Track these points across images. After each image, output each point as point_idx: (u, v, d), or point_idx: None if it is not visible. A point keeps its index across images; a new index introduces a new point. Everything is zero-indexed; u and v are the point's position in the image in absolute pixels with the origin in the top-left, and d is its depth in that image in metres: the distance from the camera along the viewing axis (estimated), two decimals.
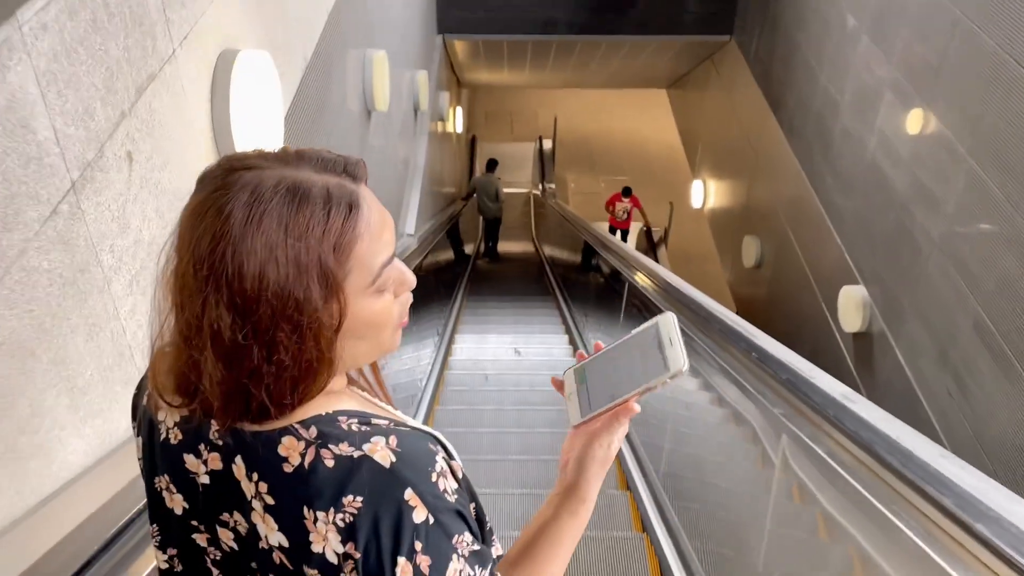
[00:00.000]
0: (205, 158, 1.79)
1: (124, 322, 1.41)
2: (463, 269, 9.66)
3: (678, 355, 0.77)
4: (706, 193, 9.12)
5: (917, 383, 4.23)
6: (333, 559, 0.66)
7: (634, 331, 0.83)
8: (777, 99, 6.79)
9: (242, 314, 0.64)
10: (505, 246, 12.35)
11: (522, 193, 14.35)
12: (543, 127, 14.76)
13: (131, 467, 0.90)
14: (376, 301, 0.71)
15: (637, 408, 0.83)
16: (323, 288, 0.65)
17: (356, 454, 0.66)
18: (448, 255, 8.39)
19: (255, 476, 0.69)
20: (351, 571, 0.66)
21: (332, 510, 0.65)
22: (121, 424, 1.40)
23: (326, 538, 0.65)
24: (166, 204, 1.57)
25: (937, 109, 4.05)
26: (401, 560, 0.64)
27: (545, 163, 13.04)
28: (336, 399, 0.74)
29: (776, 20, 6.86)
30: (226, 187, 0.66)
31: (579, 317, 6.63)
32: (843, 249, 5.29)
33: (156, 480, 0.79)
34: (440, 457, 0.70)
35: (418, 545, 0.65)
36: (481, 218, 11.33)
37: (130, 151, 1.43)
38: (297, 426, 0.69)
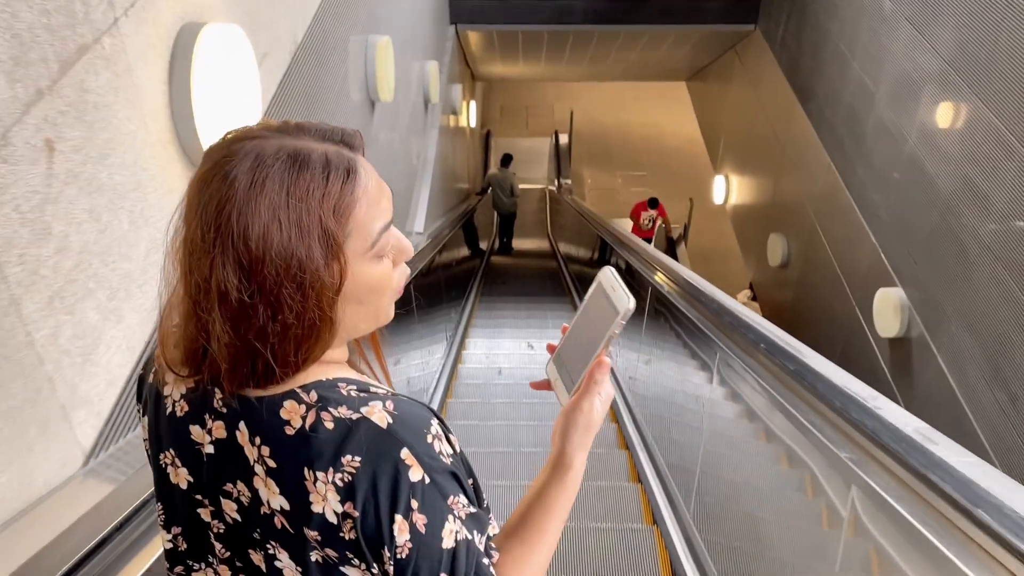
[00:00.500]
0: (162, 149, 1.53)
1: (41, 349, 1.14)
2: (477, 266, 9.39)
3: (622, 296, 0.79)
4: (728, 189, 8.79)
5: (963, 395, 3.91)
6: (332, 519, 0.68)
7: (583, 299, 0.86)
8: (805, 90, 6.46)
9: (248, 274, 0.65)
10: (520, 243, 12.07)
11: (537, 189, 14.05)
12: (559, 122, 14.46)
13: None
14: (375, 266, 0.74)
15: (608, 360, 0.84)
16: (324, 249, 0.67)
17: (354, 416, 0.69)
18: (461, 252, 8.13)
19: (257, 440, 0.71)
20: (350, 530, 0.68)
21: (331, 470, 0.67)
22: (39, 477, 1.14)
23: (325, 498, 0.68)
24: (104, 203, 1.31)
25: (988, 99, 3.72)
26: (398, 518, 0.67)
27: (561, 158, 12.74)
28: (336, 368, 0.76)
29: (805, 7, 6.52)
30: (231, 155, 0.68)
31: None
32: (879, 248, 4.97)
33: (161, 456, 0.80)
34: (435, 422, 0.72)
35: (414, 503, 0.67)
36: (496, 213, 11.39)
37: (50, 139, 1.16)
38: (299, 390, 0.71)
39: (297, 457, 0.68)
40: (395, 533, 0.67)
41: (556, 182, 12.51)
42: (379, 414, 0.69)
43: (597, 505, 3.07)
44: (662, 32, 8.39)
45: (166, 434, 0.79)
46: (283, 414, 0.70)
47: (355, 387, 0.73)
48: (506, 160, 11.07)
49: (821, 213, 6.06)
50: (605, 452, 3.76)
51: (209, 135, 1.62)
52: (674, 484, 2.95)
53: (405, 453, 0.68)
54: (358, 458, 0.67)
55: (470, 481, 0.75)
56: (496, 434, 3.96)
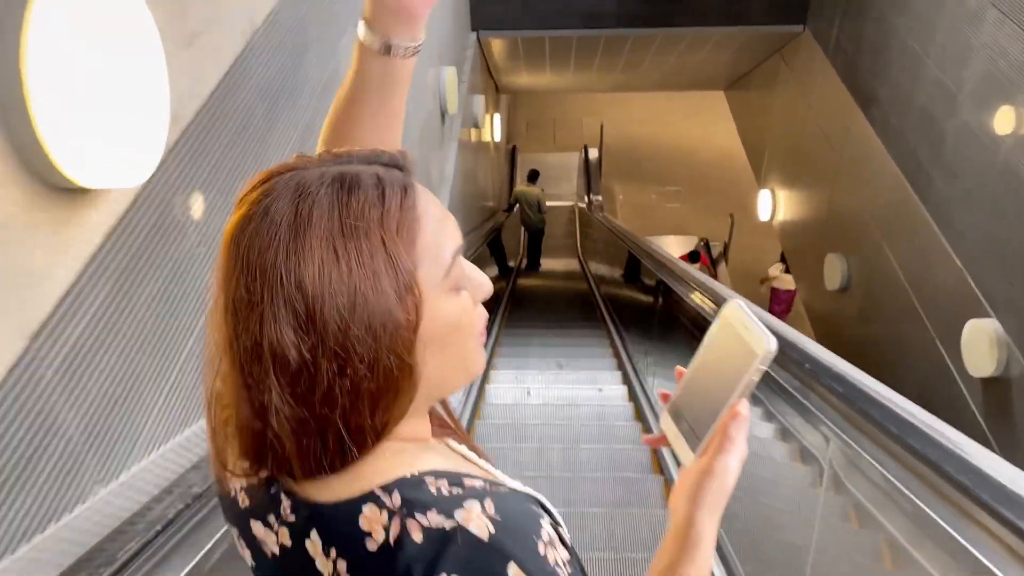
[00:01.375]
0: None
1: None
2: (503, 289, 8.79)
3: (760, 335, 0.66)
4: (775, 204, 8.10)
5: None
6: None
7: (705, 338, 0.73)
8: (866, 94, 5.80)
9: (306, 323, 0.56)
10: (549, 263, 11.48)
11: (566, 207, 13.44)
12: (588, 136, 13.88)
13: None
14: (454, 300, 0.63)
15: (745, 412, 0.69)
16: (393, 278, 0.58)
17: (448, 525, 0.57)
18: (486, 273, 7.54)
19: (333, 553, 0.59)
20: None
21: None
22: None
23: None
24: None
25: None
26: None
27: (591, 174, 12.14)
28: (420, 454, 0.65)
29: (862, 4, 5.87)
30: (267, 192, 0.60)
31: (634, 347, 5.69)
32: (965, 272, 4.28)
33: (232, 528, 0.71)
34: (546, 523, 0.61)
35: None
36: (523, 230, 11.20)
37: None
38: (379, 492, 0.59)
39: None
40: None
41: (586, 199, 11.88)
42: (478, 520, 0.57)
43: None
44: (702, 35, 7.76)
45: (231, 518, 0.70)
46: (363, 523, 0.58)
47: (446, 481, 0.61)
48: (533, 176, 10.90)
49: (889, 231, 5.37)
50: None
51: (60, 129, 1.03)
52: None
53: (514, 570, 0.55)
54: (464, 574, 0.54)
55: None
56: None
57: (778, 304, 9.27)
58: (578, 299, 9.05)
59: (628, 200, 13.41)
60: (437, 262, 0.61)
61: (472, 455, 0.72)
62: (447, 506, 0.58)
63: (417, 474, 0.61)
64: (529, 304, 8.68)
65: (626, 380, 5.28)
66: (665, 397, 0.79)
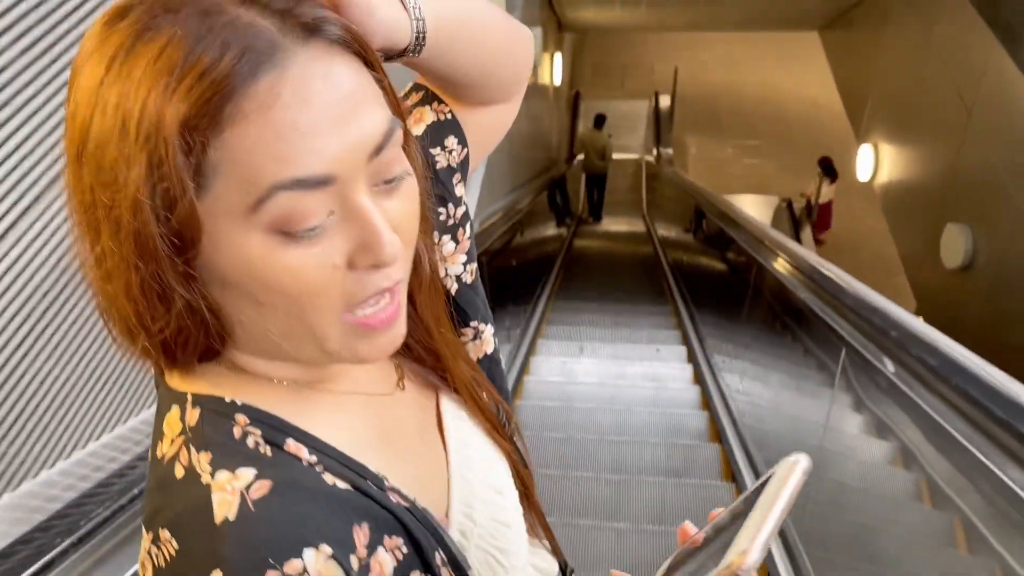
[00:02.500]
0: None
1: None
2: (556, 251, 7.90)
3: (752, 536, 0.43)
4: (878, 162, 6.93)
5: None
6: None
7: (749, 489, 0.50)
8: (1012, 29, 4.61)
9: (75, 168, 0.46)
10: (610, 223, 10.49)
11: (631, 160, 12.32)
12: (660, 82, 12.65)
13: None
14: (272, 245, 0.45)
15: None
16: (151, 169, 0.43)
17: (204, 479, 0.47)
18: (536, 235, 6.63)
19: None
20: None
21: (151, 535, 0.48)
22: None
23: (144, 569, 0.49)
24: None
25: None
26: None
27: (662, 124, 10.99)
28: (270, 390, 0.54)
29: None
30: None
31: (707, 333, 4.75)
32: None
33: None
34: (320, 555, 0.45)
35: None
36: (584, 178, 10.82)
37: None
38: (190, 399, 0.52)
39: (148, 490, 0.52)
40: None
41: (655, 151, 10.77)
42: (229, 495, 0.46)
43: None
44: None
45: None
46: (165, 425, 0.52)
47: (261, 431, 0.50)
48: (599, 120, 10.19)
49: None
50: None
51: None
52: None
53: None
54: (175, 544, 0.46)
55: None
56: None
57: (824, 223, 8.24)
58: (642, 267, 8.06)
59: (702, 154, 12.18)
60: (246, 182, 0.44)
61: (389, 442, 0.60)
62: (224, 457, 0.48)
63: (239, 404, 0.52)
64: (585, 273, 7.75)
65: (697, 379, 4.36)
66: (684, 536, 0.57)
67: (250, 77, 0.42)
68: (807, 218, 9.16)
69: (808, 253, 3.03)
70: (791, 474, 0.46)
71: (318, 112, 0.44)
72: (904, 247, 6.58)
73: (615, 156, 11.37)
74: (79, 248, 0.49)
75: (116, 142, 0.43)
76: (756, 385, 3.43)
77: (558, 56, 9.40)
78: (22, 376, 1.22)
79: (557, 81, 9.56)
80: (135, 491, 1.28)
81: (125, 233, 0.44)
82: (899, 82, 6.76)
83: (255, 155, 0.43)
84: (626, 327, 5.39)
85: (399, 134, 0.50)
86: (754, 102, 12.51)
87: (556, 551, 0.77)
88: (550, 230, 7.99)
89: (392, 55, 0.57)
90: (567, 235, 9.11)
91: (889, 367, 1.83)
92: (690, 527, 0.57)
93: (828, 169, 9.00)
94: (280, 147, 0.43)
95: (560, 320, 5.54)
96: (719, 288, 5.03)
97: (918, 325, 1.79)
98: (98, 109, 0.44)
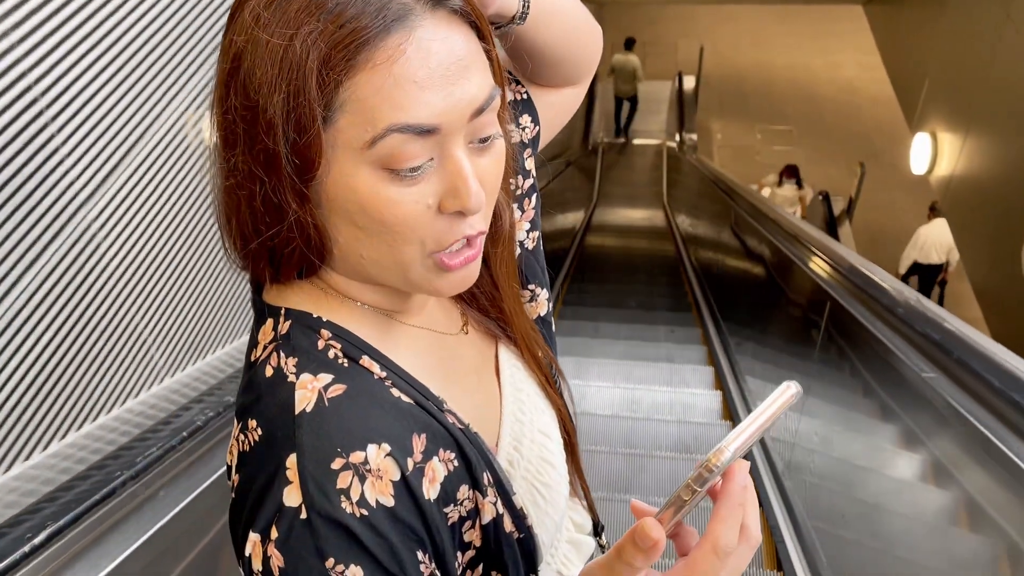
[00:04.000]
0: None
1: None
2: (564, 248, 7.08)
3: (732, 439, 0.53)
4: (936, 153, 6.04)
5: None
6: (228, 479, 0.59)
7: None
8: None
9: (221, 92, 0.54)
10: (626, 214, 9.64)
11: (652, 146, 11.41)
12: (684, 62, 11.75)
13: None
14: (377, 179, 0.53)
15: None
16: (289, 97, 0.50)
17: (290, 379, 0.56)
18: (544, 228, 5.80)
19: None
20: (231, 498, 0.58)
21: (240, 424, 0.57)
22: None
23: (231, 452, 0.58)
24: None
25: None
26: (253, 536, 0.53)
27: (685, 107, 10.09)
28: (353, 311, 0.62)
29: None
30: None
31: (740, 354, 3.95)
32: None
33: None
34: (374, 450, 0.54)
35: (274, 532, 0.51)
36: (615, 99, 11.11)
37: None
38: (284, 311, 0.60)
39: (241, 389, 0.60)
40: (247, 550, 0.53)
41: (677, 137, 9.88)
42: (309, 392, 0.55)
43: None
44: None
45: None
46: (260, 334, 0.60)
47: (340, 345, 0.59)
48: (629, 43, 10.51)
49: None
50: None
51: None
52: None
53: (291, 461, 0.52)
54: (260, 432, 0.55)
55: (423, 558, 0.54)
56: None
57: None
58: (662, 270, 7.21)
59: (728, 140, 11.26)
60: (364, 120, 0.51)
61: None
62: (308, 363, 0.57)
63: (324, 320, 0.60)
64: (597, 273, 6.92)
65: (728, 410, 3.55)
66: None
67: (383, 32, 0.50)
68: (847, 216, 8.28)
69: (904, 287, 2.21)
70: (781, 396, 0.56)
71: (433, 71, 0.51)
72: (969, 251, 5.71)
73: (637, 141, 11.06)
74: (216, 160, 0.56)
75: (264, 70, 0.50)
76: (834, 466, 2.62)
77: None
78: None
79: None
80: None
81: (258, 149, 0.52)
82: (965, 61, 5.84)
83: (377, 99, 0.50)
84: (643, 342, 4.59)
85: (497, 101, 0.56)
86: (784, 84, 11.58)
87: (591, 507, 0.83)
88: (557, 223, 7.15)
89: (500, 23, 0.67)
90: (579, 230, 8.26)
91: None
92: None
93: (795, 176, 8.01)
94: (398, 95, 0.50)
95: (568, 330, 4.74)
96: (756, 295, 4.21)
97: None
98: (251, 41, 0.51)
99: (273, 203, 0.53)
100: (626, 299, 5.77)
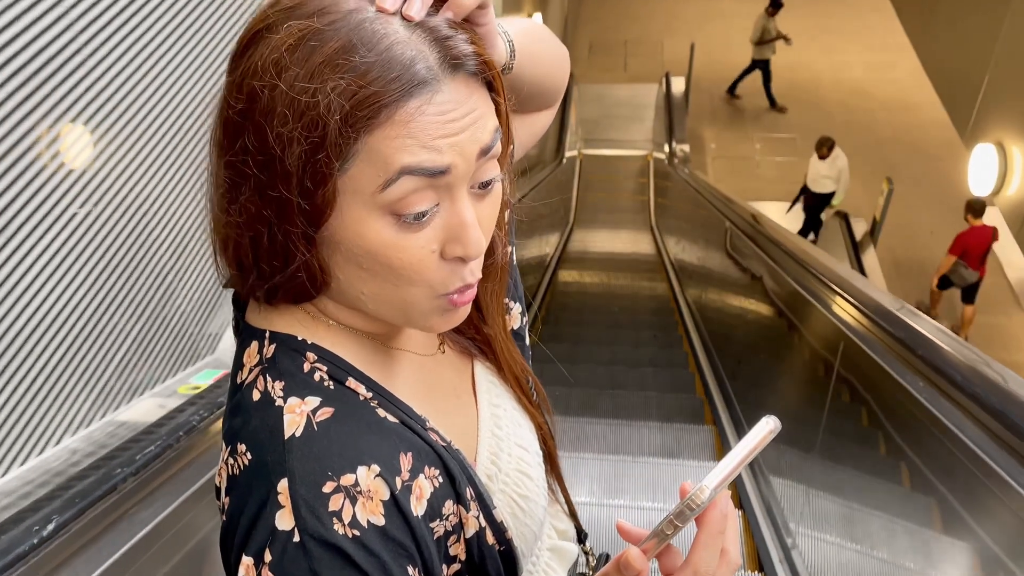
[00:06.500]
0: None
1: None
2: (535, 287, 5.71)
3: (714, 476, 0.57)
4: (1007, 169, 4.71)
5: None
6: (217, 501, 0.60)
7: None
8: None
9: (230, 131, 0.54)
10: (607, 241, 8.28)
11: (636, 157, 10.07)
12: (671, 63, 10.45)
13: None
14: (385, 224, 0.54)
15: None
16: (308, 149, 0.51)
17: (277, 403, 0.57)
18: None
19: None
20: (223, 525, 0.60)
21: (228, 448, 0.58)
22: None
23: (220, 475, 0.59)
24: None
25: None
26: (246, 560, 0.54)
27: (674, 112, 8.73)
28: (337, 334, 0.63)
29: None
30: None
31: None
32: None
33: None
34: (364, 472, 0.56)
35: (268, 556, 0.53)
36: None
37: None
38: (270, 334, 0.61)
39: (227, 411, 0.61)
40: (240, 574, 0.53)
41: (666, 147, 8.51)
42: (299, 416, 0.56)
43: None
44: None
45: None
46: (246, 356, 0.61)
47: (327, 369, 0.60)
48: None
49: None
50: None
51: None
52: None
53: (283, 486, 0.54)
54: (250, 457, 0.56)
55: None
56: None
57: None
58: (652, 305, 5.83)
59: (722, 150, 9.91)
60: (379, 166, 0.52)
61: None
62: (295, 386, 0.58)
63: (310, 343, 0.61)
64: (573, 319, 5.53)
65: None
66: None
67: (406, 95, 0.51)
68: (870, 239, 6.95)
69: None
70: (760, 432, 0.58)
71: (450, 127, 0.53)
72: None
73: (617, 152, 9.59)
74: (211, 191, 0.57)
75: (283, 120, 0.50)
76: None
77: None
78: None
79: None
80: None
81: (270, 195, 0.52)
82: None
83: (393, 147, 0.51)
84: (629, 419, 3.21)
85: (499, 146, 0.57)
86: (784, 88, 10.29)
87: (573, 515, 0.86)
88: (525, 253, 5.77)
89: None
90: (550, 258, 6.86)
91: None
92: (688, 485, 0.61)
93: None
94: (414, 145, 0.52)
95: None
96: (762, 341, 2.84)
97: None
98: (270, 88, 0.50)
99: (280, 244, 0.54)
100: (607, 342, 4.37)
